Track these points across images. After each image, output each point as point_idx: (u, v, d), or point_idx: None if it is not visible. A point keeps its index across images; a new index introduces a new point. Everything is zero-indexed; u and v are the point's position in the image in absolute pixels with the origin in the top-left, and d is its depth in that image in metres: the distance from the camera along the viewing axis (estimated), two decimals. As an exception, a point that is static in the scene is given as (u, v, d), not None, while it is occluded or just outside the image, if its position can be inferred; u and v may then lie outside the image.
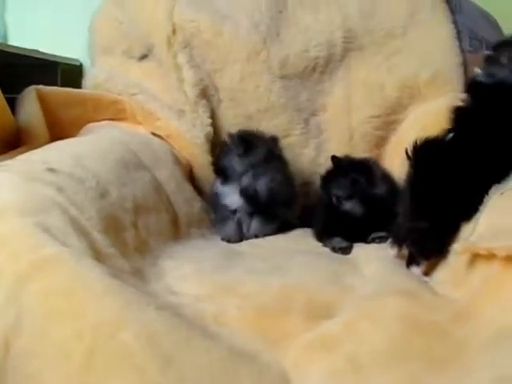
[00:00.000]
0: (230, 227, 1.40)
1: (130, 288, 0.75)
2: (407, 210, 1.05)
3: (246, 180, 1.39)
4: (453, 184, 0.98)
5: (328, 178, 1.32)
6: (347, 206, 1.27)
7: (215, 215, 1.45)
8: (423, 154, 1.06)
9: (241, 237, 1.39)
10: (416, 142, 1.06)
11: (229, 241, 1.35)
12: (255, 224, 1.41)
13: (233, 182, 1.40)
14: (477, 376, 0.65)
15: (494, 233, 0.83)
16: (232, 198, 1.41)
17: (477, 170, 0.97)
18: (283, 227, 1.43)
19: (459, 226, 0.97)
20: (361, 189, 1.27)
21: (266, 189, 1.39)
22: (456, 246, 0.91)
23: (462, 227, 0.96)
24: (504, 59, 1.04)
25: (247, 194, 1.39)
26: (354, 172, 1.28)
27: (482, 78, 1.06)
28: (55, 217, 0.82)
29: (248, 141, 1.40)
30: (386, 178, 1.33)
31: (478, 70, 1.07)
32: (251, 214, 1.41)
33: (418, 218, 1.02)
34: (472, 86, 1.10)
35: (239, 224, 1.41)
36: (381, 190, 1.28)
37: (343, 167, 1.31)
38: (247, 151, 1.39)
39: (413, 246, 1.02)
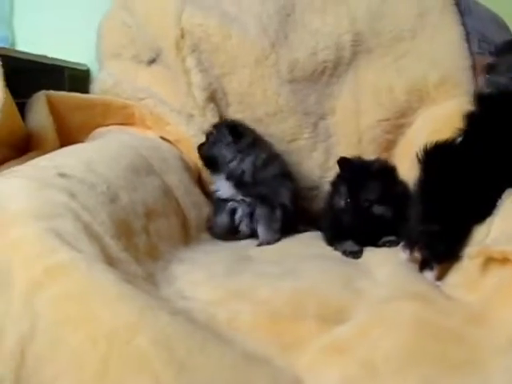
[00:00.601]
0: (222, 218, 1.42)
1: (144, 293, 0.75)
2: (418, 213, 1.05)
3: (233, 164, 1.41)
4: (463, 187, 0.97)
5: (349, 180, 1.29)
6: (379, 209, 1.25)
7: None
8: (434, 157, 1.06)
9: (232, 227, 1.42)
10: (426, 146, 1.06)
11: (220, 234, 1.39)
12: (261, 229, 1.41)
13: (222, 171, 1.43)
14: (493, 380, 0.64)
15: (509, 237, 0.83)
16: (222, 186, 1.43)
17: (487, 173, 0.97)
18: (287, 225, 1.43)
19: (470, 230, 0.97)
20: (390, 192, 1.26)
21: (252, 167, 1.41)
22: (470, 250, 0.90)
23: (474, 230, 0.96)
24: (503, 67, 1.03)
25: (234, 176, 1.41)
26: (381, 175, 1.27)
27: (484, 89, 1.06)
28: (68, 222, 0.82)
29: (236, 129, 1.43)
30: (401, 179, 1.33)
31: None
32: (251, 214, 1.42)
33: (429, 222, 1.02)
34: (477, 98, 1.09)
35: (231, 214, 1.43)
36: (402, 191, 1.27)
37: (366, 169, 1.30)
38: (235, 140, 1.42)
39: (425, 249, 1.02)
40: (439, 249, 1.00)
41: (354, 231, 1.25)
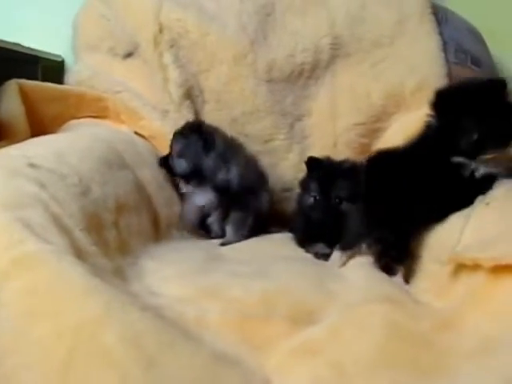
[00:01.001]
0: (191, 216, 1.41)
1: (113, 288, 0.73)
2: (364, 219, 1.09)
3: (221, 175, 1.38)
4: (403, 195, 1.01)
5: (319, 178, 1.29)
6: (348, 207, 1.24)
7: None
8: (377, 165, 1.11)
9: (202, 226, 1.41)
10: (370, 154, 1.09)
11: (188, 228, 1.38)
12: (229, 230, 1.40)
13: (207, 183, 1.39)
14: (461, 385, 0.64)
15: (480, 243, 0.83)
16: (202, 196, 1.41)
17: (426, 181, 1.01)
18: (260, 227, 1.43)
19: (416, 234, 1.01)
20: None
21: (239, 176, 1.39)
22: (441, 256, 0.91)
23: (443, 236, 0.96)
24: None
25: (221, 187, 1.38)
26: (352, 173, 1.26)
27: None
28: (37, 213, 0.80)
29: (205, 133, 1.39)
30: None
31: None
32: (223, 218, 1.41)
33: (373, 229, 1.06)
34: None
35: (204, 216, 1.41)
36: None
37: (337, 168, 1.30)
38: (209, 145, 1.38)
39: (382, 254, 1.05)
40: (392, 253, 1.02)
41: (323, 229, 1.25)
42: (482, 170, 1.00)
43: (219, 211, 1.41)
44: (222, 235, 1.41)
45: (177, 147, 1.39)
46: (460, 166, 1.00)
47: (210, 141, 1.39)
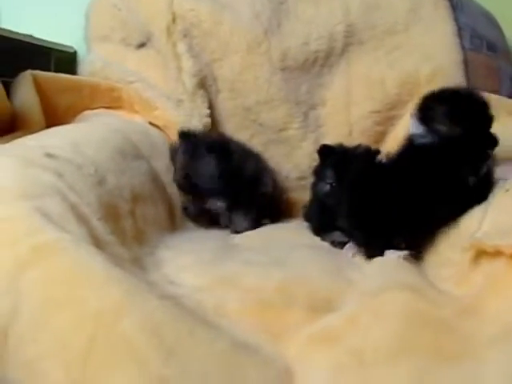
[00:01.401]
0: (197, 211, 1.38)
1: (132, 276, 0.73)
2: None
3: None
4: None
5: (334, 164, 1.28)
6: None
7: None
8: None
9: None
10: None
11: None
12: (238, 220, 1.39)
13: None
14: (488, 370, 0.63)
15: (501, 230, 0.82)
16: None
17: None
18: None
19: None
20: None
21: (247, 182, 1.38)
22: (463, 243, 0.90)
23: (464, 224, 0.95)
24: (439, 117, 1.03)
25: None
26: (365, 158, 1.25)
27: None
28: (55, 202, 0.80)
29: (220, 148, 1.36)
30: None
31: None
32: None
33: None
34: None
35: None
36: None
37: (349, 154, 1.29)
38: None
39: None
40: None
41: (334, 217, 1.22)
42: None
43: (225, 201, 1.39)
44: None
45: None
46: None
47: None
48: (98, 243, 0.79)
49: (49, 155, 0.93)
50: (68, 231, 0.75)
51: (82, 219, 0.82)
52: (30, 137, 1.07)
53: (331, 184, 1.27)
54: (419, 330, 0.73)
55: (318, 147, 1.39)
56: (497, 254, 0.78)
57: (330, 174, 1.27)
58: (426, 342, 0.71)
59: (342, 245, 1.18)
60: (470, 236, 0.87)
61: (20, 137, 1.08)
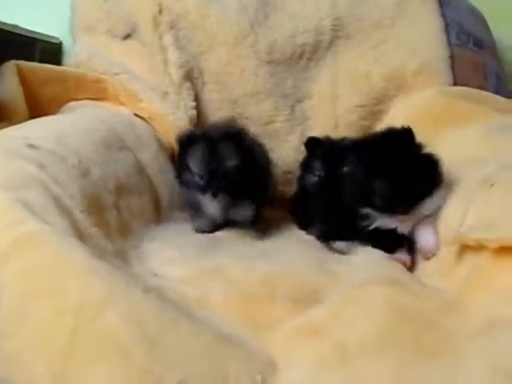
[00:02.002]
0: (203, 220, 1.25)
1: (115, 269, 0.73)
2: None
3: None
4: None
5: (323, 156, 1.29)
6: None
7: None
8: None
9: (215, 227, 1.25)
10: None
11: (203, 231, 1.22)
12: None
13: None
14: (469, 365, 0.64)
15: (484, 224, 0.82)
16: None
17: None
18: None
19: None
20: None
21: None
22: (445, 238, 0.90)
23: (448, 218, 0.96)
24: None
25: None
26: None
27: None
28: (37, 194, 0.79)
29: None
30: None
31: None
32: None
33: None
34: None
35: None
36: None
37: (337, 145, 1.28)
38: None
39: None
40: None
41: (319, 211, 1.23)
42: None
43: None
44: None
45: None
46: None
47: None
48: (80, 235, 0.79)
49: (31, 146, 0.92)
50: (50, 223, 0.74)
51: (64, 211, 0.81)
52: (12, 127, 1.05)
53: (319, 176, 1.26)
54: (402, 323, 0.74)
55: (304, 140, 1.39)
56: (480, 248, 0.78)
57: (318, 165, 1.27)
58: (408, 336, 0.71)
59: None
60: (454, 230, 0.88)
61: (3, 128, 1.06)
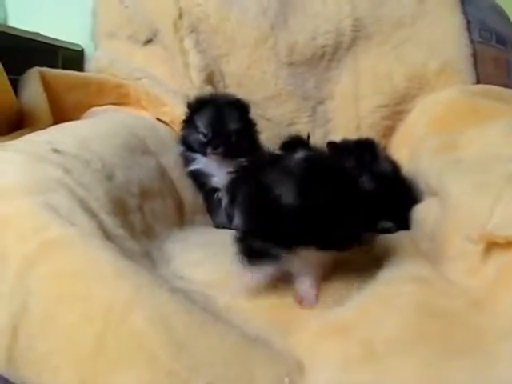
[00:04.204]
0: (221, 216, 1.33)
1: (142, 270, 0.73)
2: None
3: None
4: None
5: None
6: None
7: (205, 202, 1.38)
8: None
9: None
10: None
11: (224, 227, 1.28)
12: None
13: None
14: (500, 365, 0.63)
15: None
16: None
17: None
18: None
19: None
20: (368, 165, 1.23)
21: None
22: (471, 234, 0.89)
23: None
24: None
25: None
26: (357, 150, 1.24)
27: None
28: (63, 197, 0.80)
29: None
30: (389, 159, 1.31)
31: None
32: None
33: None
34: None
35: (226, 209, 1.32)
36: (387, 168, 1.26)
37: (345, 148, 1.28)
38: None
39: None
40: None
41: None
42: None
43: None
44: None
45: None
46: None
47: None
48: (107, 237, 0.79)
49: (56, 151, 0.93)
50: (77, 225, 0.74)
51: (90, 213, 0.81)
52: (37, 133, 1.06)
53: None
54: (430, 321, 0.73)
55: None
56: (508, 245, 0.77)
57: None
58: (436, 333, 0.70)
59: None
60: (481, 228, 0.86)
61: (27, 133, 1.07)
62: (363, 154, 1.24)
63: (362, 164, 1.22)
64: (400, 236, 1.15)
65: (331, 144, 1.31)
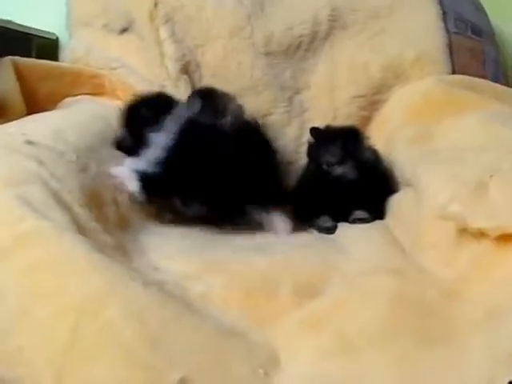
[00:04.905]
0: None
1: (115, 263, 0.72)
2: None
3: None
4: None
5: (315, 146, 1.29)
6: (339, 170, 1.24)
7: None
8: None
9: None
10: None
11: None
12: None
13: None
14: (471, 354, 0.64)
15: (486, 213, 0.82)
16: None
17: None
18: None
19: None
20: (352, 152, 1.24)
21: None
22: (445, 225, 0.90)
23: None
24: None
25: None
26: (342, 137, 1.25)
27: None
28: (37, 190, 0.79)
29: None
30: (372, 148, 1.32)
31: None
32: None
33: None
34: None
35: None
36: (370, 155, 1.27)
37: (330, 134, 1.28)
38: None
39: None
40: None
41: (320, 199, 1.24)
42: None
43: None
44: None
45: None
46: None
47: None
48: (81, 230, 0.78)
49: (29, 142, 0.92)
50: (50, 219, 0.74)
51: (64, 206, 0.80)
52: (10, 124, 1.05)
53: (328, 164, 1.26)
54: (405, 313, 0.74)
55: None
56: (481, 235, 0.78)
57: (326, 153, 1.26)
58: (411, 325, 0.71)
59: (327, 230, 1.17)
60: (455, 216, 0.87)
61: (0, 124, 1.06)
62: (347, 142, 1.24)
63: (346, 151, 1.23)
64: (375, 225, 1.16)
65: (315, 129, 1.31)
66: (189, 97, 1.30)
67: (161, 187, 1.08)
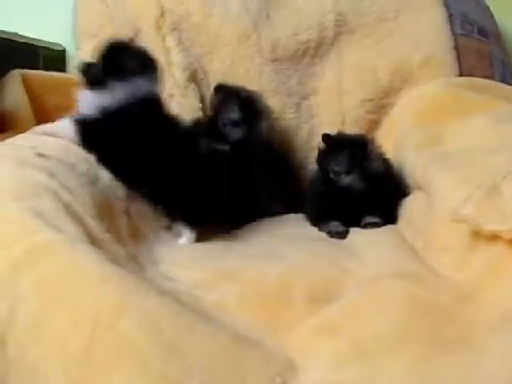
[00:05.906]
0: None
1: (129, 274, 0.72)
2: None
3: None
4: None
5: (324, 154, 1.29)
6: (346, 180, 1.24)
7: None
8: None
9: None
10: None
11: None
12: None
13: None
14: (488, 358, 0.63)
15: (499, 215, 0.82)
16: None
17: None
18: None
19: None
20: (359, 163, 1.24)
21: None
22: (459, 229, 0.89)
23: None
24: None
25: None
26: (350, 146, 1.25)
27: None
28: (48, 202, 0.79)
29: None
30: (381, 155, 1.31)
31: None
32: None
33: None
34: None
35: None
36: (378, 166, 1.26)
37: (339, 142, 1.28)
38: None
39: None
40: None
41: (330, 207, 1.25)
42: None
43: None
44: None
45: None
46: None
47: None
48: (93, 241, 0.78)
49: (40, 155, 0.92)
50: (62, 231, 0.74)
51: (76, 218, 0.81)
52: (20, 136, 1.06)
53: (336, 173, 1.26)
54: (419, 317, 0.73)
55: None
56: (494, 239, 0.77)
57: (333, 162, 1.26)
58: (426, 329, 0.71)
59: (338, 235, 1.17)
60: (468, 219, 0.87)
61: (10, 137, 1.06)
62: (355, 152, 1.24)
63: (353, 161, 1.23)
64: (387, 229, 1.15)
65: (327, 136, 1.31)
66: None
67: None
